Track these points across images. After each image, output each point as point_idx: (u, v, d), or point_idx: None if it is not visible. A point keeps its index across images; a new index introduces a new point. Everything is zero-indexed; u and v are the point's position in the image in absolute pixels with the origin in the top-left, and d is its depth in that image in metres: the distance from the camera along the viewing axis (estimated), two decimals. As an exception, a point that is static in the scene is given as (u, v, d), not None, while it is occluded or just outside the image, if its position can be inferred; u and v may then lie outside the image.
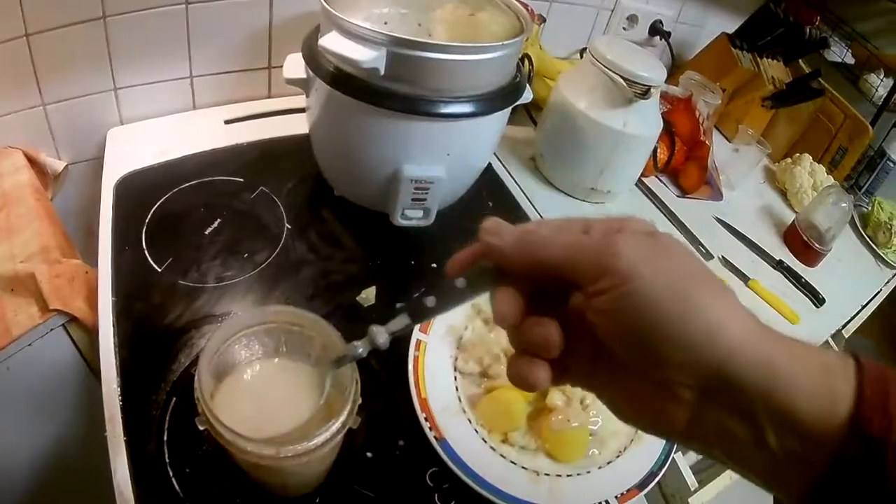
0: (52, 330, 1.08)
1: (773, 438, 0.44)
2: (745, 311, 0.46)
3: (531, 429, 1.00)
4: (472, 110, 1.06)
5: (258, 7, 1.37)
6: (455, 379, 1.04)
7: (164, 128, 1.41)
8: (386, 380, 1.01)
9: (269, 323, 0.78)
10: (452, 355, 1.06)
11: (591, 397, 1.01)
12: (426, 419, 0.95)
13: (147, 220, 1.18)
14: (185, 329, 1.02)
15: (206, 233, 1.18)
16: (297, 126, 1.30)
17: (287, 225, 1.23)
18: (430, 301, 0.56)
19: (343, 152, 1.18)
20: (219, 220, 1.21)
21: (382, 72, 0.99)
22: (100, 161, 1.33)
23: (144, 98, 1.39)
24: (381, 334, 0.60)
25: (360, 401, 0.74)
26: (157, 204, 1.21)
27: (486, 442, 0.97)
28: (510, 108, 1.17)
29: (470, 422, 0.99)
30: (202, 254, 1.14)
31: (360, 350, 0.63)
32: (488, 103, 1.08)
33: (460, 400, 1.01)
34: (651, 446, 1.02)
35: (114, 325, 1.00)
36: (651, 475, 0.98)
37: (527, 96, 1.20)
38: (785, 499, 0.46)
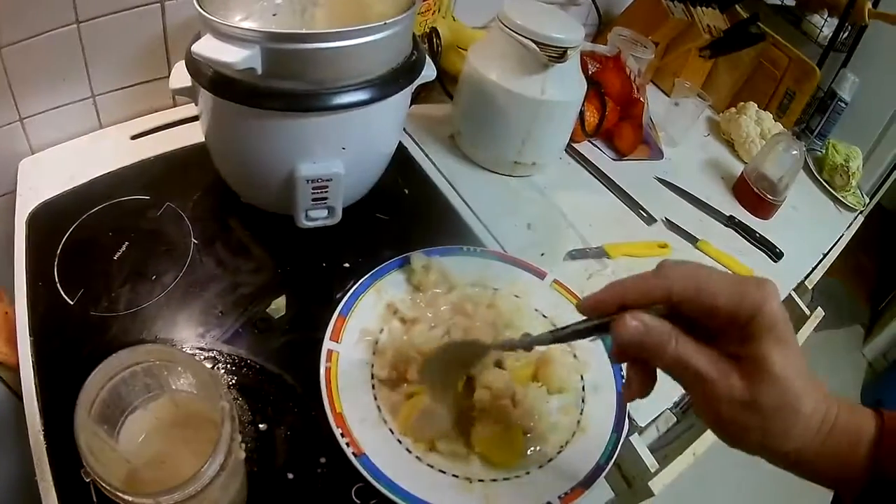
0: None
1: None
2: (815, 415, 0.60)
3: (459, 433, 0.94)
4: (363, 98, 1.00)
5: (150, 16, 1.32)
6: (373, 387, 0.98)
7: (74, 151, 1.36)
8: (302, 394, 0.96)
9: (142, 363, 0.75)
10: (368, 362, 1.00)
11: (521, 392, 0.96)
12: (342, 434, 0.89)
13: (58, 252, 1.14)
14: (100, 363, 0.97)
15: (115, 258, 1.13)
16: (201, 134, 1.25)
17: (193, 240, 1.18)
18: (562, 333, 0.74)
19: (236, 158, 1.13)
20: (126, 243, 1.16)
21: (259, 71, 0.93)
22: (15, 195, 1.29)
23: (51, 124, 1.35)
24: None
25: (238, 438, 0.71)
26: (68, 233, 1.17)
27: (410, 452, 0.91)
28: (410, 90, 1.11)
29: (392, 432, 0.93)
30: (112, 280, 1.10)
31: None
32: (381, 88, 1.02)
33: (380, 409, 0.95)
34: (596, 438, 0.97)
35: (33, 364, 0.97)
36: (598, 469, 0.92)
37: (428, 74, 1.14)
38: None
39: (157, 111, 1.48)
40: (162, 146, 1.37)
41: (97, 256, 1.13)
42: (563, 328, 0.73)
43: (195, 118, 1.37)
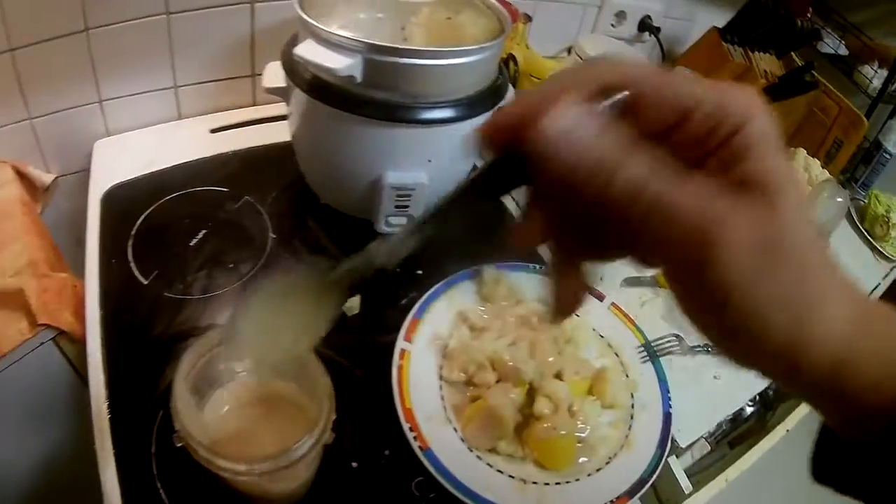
0: (42, 344, 1.08)
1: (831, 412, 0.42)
2: (851, 296, 0.39)
3: (518, 437, 0.99)
4: (452, 115, 1.05)
5: (239, 15, 1.37)
6: (440, 388, 1.03)
7: (150, 138, 1.41)
8: (371, 388, 1.01)
9: None
10: (437, 364, 1.06)
11: (578, 404, 1.01)
12: (411, 429, 0.94)
13: (133, 233, 1.18)
14: (171, 341, 1.02)
15: (192, 244, 1.18)
16: (282, 133, 1.29)
17: (272, 234, 1.23)
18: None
19: (324, 161, 1.17)
20: (204, 230, 1.20)
21: (359, 79, 0.98)
22: (88, 173, 1.33)
23: (130, 109, 1.39)
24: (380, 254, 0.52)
25: (334, 416, 0.74)
26: (143, 216, 1.21)
27: (472, 451, 0.96)
28: (493, 111, 1.14)
29: (456, 431, 0.98)
30: (187, 265, 1.14)
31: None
32: (469, 107, 1.07)
33: (445, 409, 1.00)
34: (642, 453, 1.01)
35: (101, 339, 1.01)
36: (641, 482, 0.97)
37: (509, 98, 1.18)
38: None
39: (237, 108, 1.52)
40: (241, 142, 1.41)
41: (174, 241, 1.18)
42: (443, 200, 0.48)
43: (275, 118, 1.43)
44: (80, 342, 1.09)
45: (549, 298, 0.48)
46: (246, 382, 0.83)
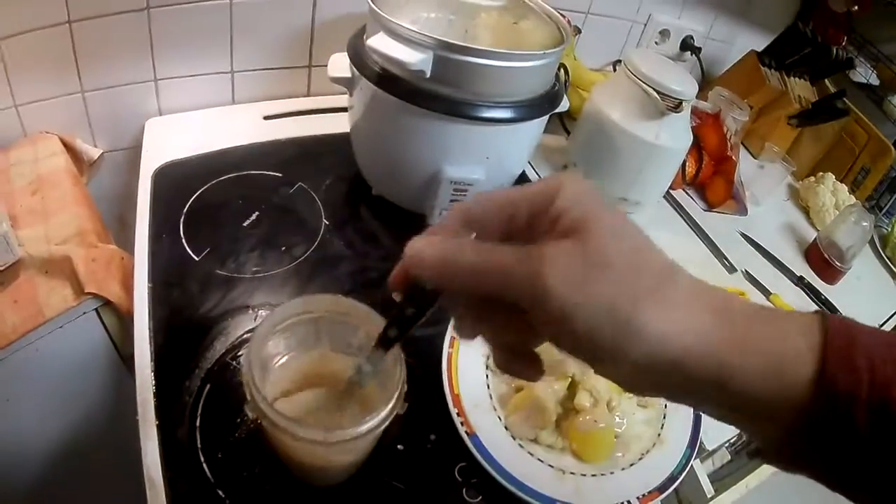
0: (84, 314, 1.10)
1: (734, 415, 0.47)
2: (696, 313, 0.45)
3: (559, 428, 1.02)
4: (512, 115, 1.09)
5: (301, 6, 1.40)
6: (487, 377, 1.06)
7: (204, 120, 1.44)
8: (420, 375, 1.01)
9: (313, 312, 0.81)
10: (484, 353, 1.08)
11: (616, 400, 1.04)
12: (458, 414, 0.98)
13: (185, 210, 1.20)
14: (220, 318, 1.04)
15: (244, 225, 1.20)
16: (336, 125, 1.32)
17: (325, 221, 1.25)
18: (392, 332, 0.59)
19: (384, 151, 1.20)
20: (257, 212, 1.23)
21: (428, 74, 1.01)
22: (135, 150, 1.36)
23: (184, 90, 1.42)
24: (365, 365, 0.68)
25: (405, 388, 0.76)
26: (196, 194, 1.23)
27: (514, 439, 0.99)
28: (547, 116, 1.20)
29: (500, 419, 1.01)
30: (240, 245, 1.16)
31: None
32: (528, 109, 1.11)
33: (491, 397, 1.03)
34: (672, 451, 1.04)
35: (149, 311, 1.02)
36: (671, 479, 1.00)
37: (564, 105, 1.22)
38: (764, 446, 0.48)
39: (291, 97, 1.55)
40: (295, 131, 1.44)
41: (226, 220, 1.20)
42: (381, 337, 0.61)
43: (329, 110, 1.46)
44: (126, 315, 1.11)
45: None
46: (317, 356, 0.85)
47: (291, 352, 0.84)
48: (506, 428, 1.00)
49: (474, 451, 0.94)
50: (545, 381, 1.03)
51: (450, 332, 1.08)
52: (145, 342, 0.98)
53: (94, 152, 1.38)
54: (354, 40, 1.12)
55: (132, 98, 1.37)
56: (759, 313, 0.47)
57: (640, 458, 1.03)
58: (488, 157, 1.15)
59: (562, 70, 1.53)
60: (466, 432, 0.96)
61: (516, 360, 0.55)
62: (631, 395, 1.08)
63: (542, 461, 0.98)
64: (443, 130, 1.10)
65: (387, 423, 0.73)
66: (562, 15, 1.17)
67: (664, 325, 0.44)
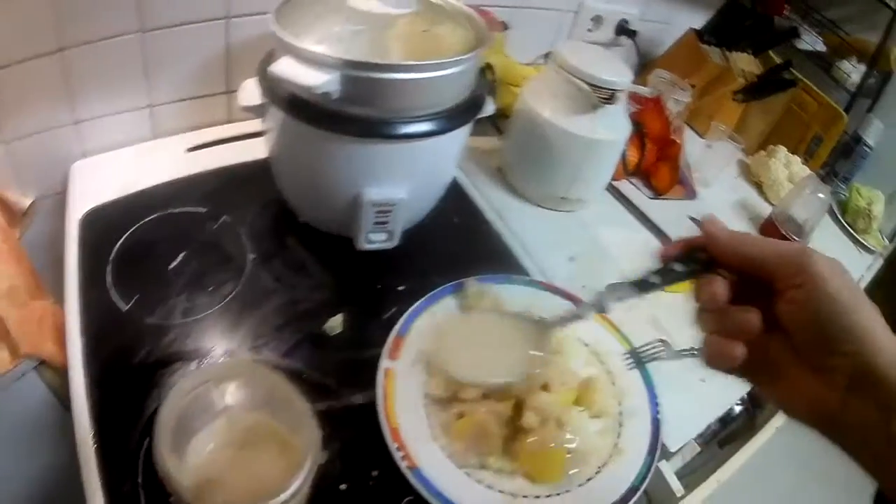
0: (24, 374, 1.08)
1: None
2: (887, 326, 0.58)
3: (508, 451, 0.98)
4: (432, 129, 1.04)
5: (213, 31, 1.35)
6: (426, 405, 1.02)
7: (127, 159, 1.39)
8: (357, 409, 0.99)
9: (211, 380, 0.80)
10: (422, 381, 1.04)
11: (566, 415, 1.00)
12: (398, 448, 0.93)
13: (112, 257, 1.15)
14: (154, 368, 1.00)
15: (171, 267, 1.16)
16: (260, 150, 1.27)
17: (251, 254, 1.21)
18: (655, 278, 0.70)
19: (302, 178, 1.16)
20: (183, 253, 1.18)
21: (336, 95, 0.97)
22: (65, 195, 1.31)
23: (106, 129, 1.37)
24: (608, 299, 0.76)
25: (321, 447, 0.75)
26: (122, 239, 1.19)
27: (460, 468, 0.95)
28: (472, 123, 1.15)
29: (443, 448, 0.97)
30: (168, 289, 1.12)
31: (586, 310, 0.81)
32: (449, 120, 1.06)
33: (432, 426, 0.99)
34: (632, 460, 1.00)
35: (84, 367, 0.98)
36: (632, 490, 0.96)
37: (488, 109, 1.17)
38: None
39: (213, 125, 1.50)
40: (218, 160, 1.39)
41: (153, 264, 1.15)
42: (647, 277, 0.72)
43: (252, 135, 1.41)
44: (63, 371, 1.06)
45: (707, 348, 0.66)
46: (228, 420, 0.83)
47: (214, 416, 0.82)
48: (450, 457, 0.96)
49: (418, 485, 0.90)
50: (487, 405, 0.99)
51: (383, 362, 1.03)
52: (82, 400, 0.94)
53: (25, 201, 1.32)
54: (263, 65, 1.06)
55: (55, 143, 1.32)
56: None
57: (597, 472, 0.99)
58: (410, 175, 1.10)
59: (488, 71, 1.50)
60: (408, 466, 0.91)
61: (727, 347, 0.64)
62: (582, 408, 1.05)
63: (491, 487, 0.94)
64: (359, 153, 1.05)
65: (311, 476, 0.73)
66: (485, 12, 1.13)
67: (873, 322, 0.58)
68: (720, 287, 0.64)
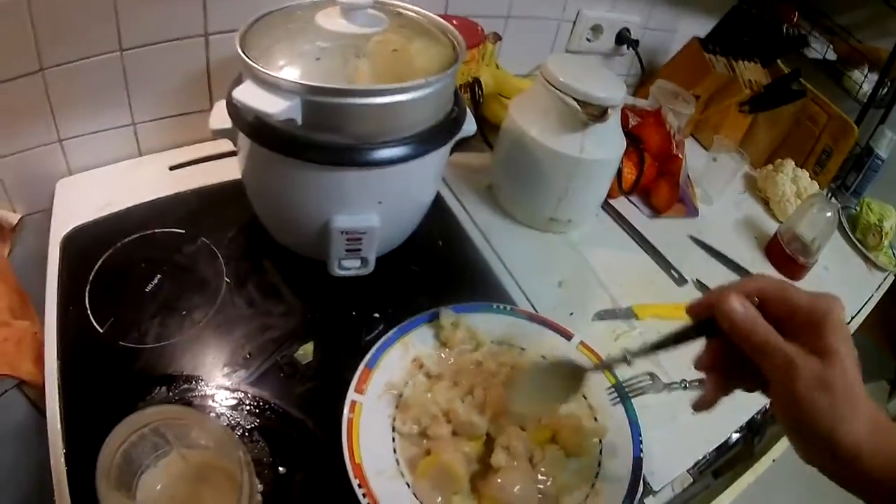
0: (5, 391, 1.06)
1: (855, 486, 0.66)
2: (871, 416, 0.65)
3: (476, 491, 0.94)
4: (402, 154, 1.00)
5: (193, 48, 1.34)
6: (393, 440, 0.99)
7: (111, 177, 1.38)
8: (323, 441, 0.97)
9: (149, 424, 0.78)
10: (390, 415, 1.01)
11: (539, 455, 0.97)
12: (360, 485, 0.90)
13: (91, 278, 1.15)
14: (127, 393, 0.99)
15: (147, 290, 1.15)
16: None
17: (226, 278, 1.19)
18: (669, 342, 0.80)
19: (272, 204, 1.14)
20: (159, 275, 1.17)
21: (300, 122, 0.93)
22: (50, 213, 1.31)
23: (90, 148, 1.37)
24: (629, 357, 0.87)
25: (257, 484, 0.79)
26: (101, 260, 1.18)
27: (425, 509, 0.92)
28: (450, 145, 1.11)
29: (408, 486, 0.93)
30: (142, 312, 1.11)
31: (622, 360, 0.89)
32: (421, 144, 1.02)
33: (398, 462, 0.96)
34: (609, 501, 0.96)
35: (59, 389, 0.98)
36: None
37: (468, 129, 1.14)
38: None
39: (197, 143, 1.49)
40: (200, 179, 1.38)
41: (129, 286, 1.15)
42: (662, 338, 0.81)
43: (235, 153, 1.39)
44: (41, 389, 1.06)
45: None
46: (173, 461, 0.81)
47: (150, 460, 0.80)
48: (415, 495, 0.93)
49: None
50: (454, 444, 0.96)
51: (350, 395, 1.00)
52: (57, 422, 0.94)
53: (13, 218, 1.33)
54: (231, 87, 1.03)
55: (40, 161, 1.32)
56: None
57: None
58: (381, 202, 1.07)
59: (476, 86, 1.46)
60: (369, 504, 0.88)
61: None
62: (558, 446, 1.01)
63: None
64: (326, 180, 1.02)
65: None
66: (474, 24, 1.09)
67: (854, 437, 0.64)
68: (711, 357, 0.78)
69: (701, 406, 0.79)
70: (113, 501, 0.69)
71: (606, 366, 0.96)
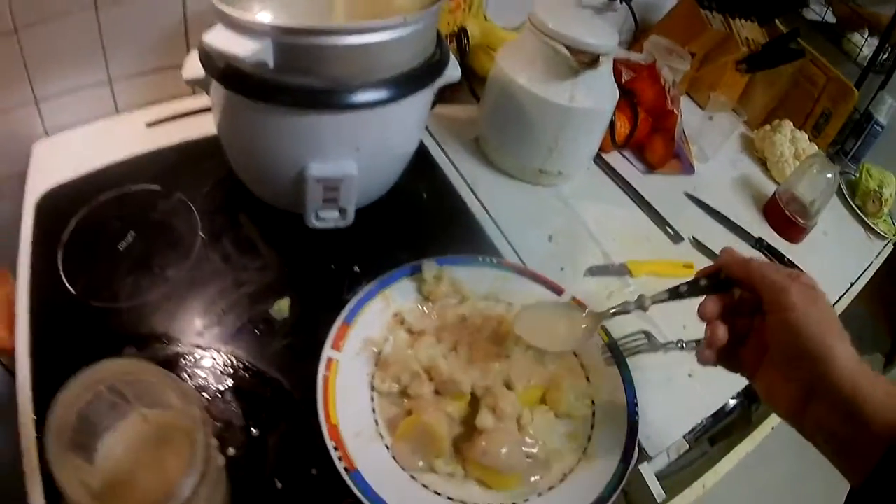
0: None
1: (846, 428, 0.67)
2: (851, 350, 0.70)
3: (459, 454, 0.90)
4: (379, 97, 0.96)
5: (169, 1, 1.30)
6: (372, 399, 0.94)
7: (88, 136, 1.35)
8: (299, 401, 0.93)
9: (103, 381, 0.73)
10: (369, 373, 0.97)
11: (528, 416, 0.93)
12: (335, 448, 0.86)
13: (64, 239, 1.12)
14: (99, 355, 0.91)
15: (120, 248, 1.12)
16: (219, 124, 1.22)
17: (201, 234, 1.16)
18: (683, 288, 0.85)
19: (247, 153, 1.10)
20: (132, 233, 1.14)
21: (272, 65, 0.89)
22: (26, 175, 1.29)
23: (66, 107, 1.34)
24: (646, 301, 0.89)
25: (214, 443, 0.74)
26: (75, 220, 1.15)
27: (405, 470, 0.88)
28: (431, 90, 1.07)
29: (388, 448, 0.89)
30: (115, 272, 1.08)
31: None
32: (399, 87, 0.98)
33: (377, 423, 0.92)
34: (602, 468, 0.92)
35: (30, 354, 0.96)
36: (600, 500, 0.88)
37: (452, 74, 1.09)
38: (850, 477, 0.69)
39: (174, 98, 1.45)
40: (177, 135, 1.35)
41: (103, 245, 1.12)
42: (679, 286, 0.86)
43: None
44: (12, 353, 1.03)
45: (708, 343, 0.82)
46: (141, 417, 0.77)
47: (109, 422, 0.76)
48: (395, 458, 0.88)
49: (354, 488, 0.83)
50: (437, 404, 0.92)
51: (325, 352, 0.96)
52: (27, 387, 0.92)
53: None
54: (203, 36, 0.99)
55: (16, 122, 1.29)
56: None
57: (561, 480, 0.91)
58: (359, 148, 1.02)
59: (462, 35, 1.42)
60: (346, 468, 0.84)
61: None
62: (548, 407, 0.97)
63: (439, 494, 0.87)
64: (300, 125, 0.97)
65: (204, 486, 0.67)
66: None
67: (834, 346, 0.69)
68: (714, 304, 0.82)
69: (708, 352, 0.82)
70: (66, 466, 0.65)
71: (623, 311, 0.92)
